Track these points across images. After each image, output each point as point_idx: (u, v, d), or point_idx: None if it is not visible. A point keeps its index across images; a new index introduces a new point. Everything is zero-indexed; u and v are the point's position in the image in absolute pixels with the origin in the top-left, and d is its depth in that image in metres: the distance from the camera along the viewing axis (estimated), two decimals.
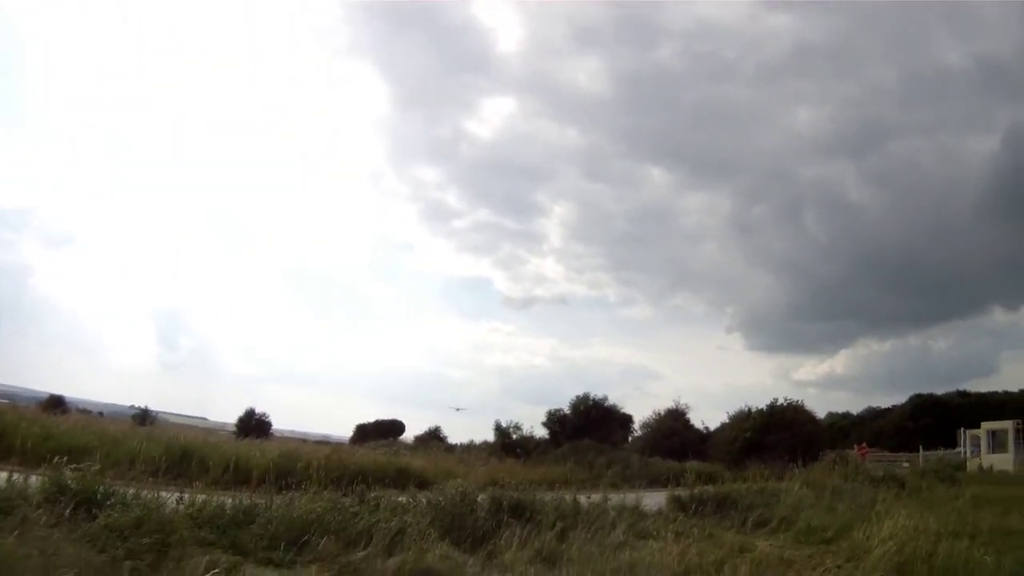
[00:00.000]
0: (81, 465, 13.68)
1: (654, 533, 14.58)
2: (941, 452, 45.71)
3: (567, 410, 58.60)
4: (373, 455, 33.52)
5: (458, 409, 70.38)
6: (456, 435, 63.84)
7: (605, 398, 59.10)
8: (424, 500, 15.63)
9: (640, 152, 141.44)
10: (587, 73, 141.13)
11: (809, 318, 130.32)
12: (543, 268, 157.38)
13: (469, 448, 54.47)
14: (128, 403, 63.46)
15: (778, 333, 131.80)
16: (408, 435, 67.60)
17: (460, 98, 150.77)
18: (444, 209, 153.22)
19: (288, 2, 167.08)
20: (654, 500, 19.98)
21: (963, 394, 65.35)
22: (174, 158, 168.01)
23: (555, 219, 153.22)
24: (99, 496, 12.59)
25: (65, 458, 14.11)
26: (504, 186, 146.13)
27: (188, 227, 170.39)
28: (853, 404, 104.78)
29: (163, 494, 13.79)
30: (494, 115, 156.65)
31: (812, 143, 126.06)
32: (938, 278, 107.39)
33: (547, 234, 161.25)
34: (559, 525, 14.37)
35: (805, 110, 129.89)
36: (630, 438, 58.27)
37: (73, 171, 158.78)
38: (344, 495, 15.50)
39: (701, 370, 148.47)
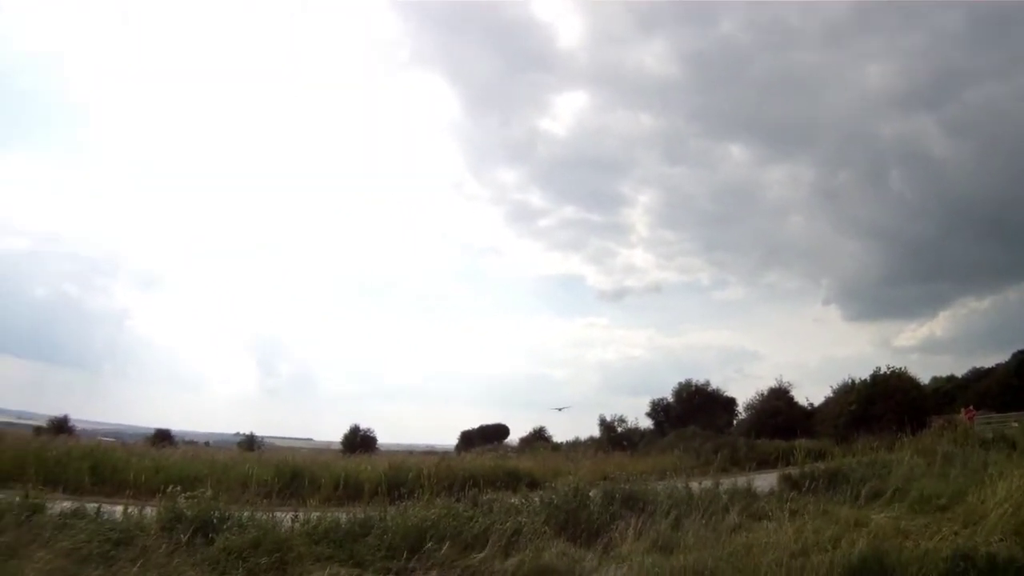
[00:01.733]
0: (195, 492, 14.13)
1: (768, 514, 14.42)
2: None
3: (670, 398, 58.61)
4: (480, 460, 33.73)
5: (560, 409, 70.00)
6: (561, 434, 63.34)
7: (707, 383, 59.45)
8: (537, 499, 15.76)
9: (716, 130, 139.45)
10: (653, 56, 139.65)
11: (905, 281, 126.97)
12: (633, 258, 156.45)
13: (575, 445, 54.11)
14: (233, 431, 64.67)
15: (874, 300, 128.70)
16: (513, 438, 67.68)
17: (530, 97, 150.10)
18: (528, 209, 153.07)
19: (350, 21, 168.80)
20: (765, 481, 19.88)
21: None
22: (254, 185, 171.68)
23: (640, 208, 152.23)
24: (215, 521, 13.11)
25: (178, 487, 14.64)
26: (585, 181, 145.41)
27: (274, 253, 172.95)
28: (956, 367, 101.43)
29: (277, 514, 14.22)
30: (566, 111, 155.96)
31: (887, 100, 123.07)
32: None
33: (633, 224, 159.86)
34: (673, 513, 14.31)
35: (875, 66, 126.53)
36: (735, 421, 57.59)
37: (155, 212, 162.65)
38: (456, 500, 15.65)
39: (800, 346, 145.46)
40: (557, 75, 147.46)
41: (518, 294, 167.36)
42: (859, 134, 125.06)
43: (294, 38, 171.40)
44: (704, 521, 13.70)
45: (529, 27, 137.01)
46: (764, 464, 28.31)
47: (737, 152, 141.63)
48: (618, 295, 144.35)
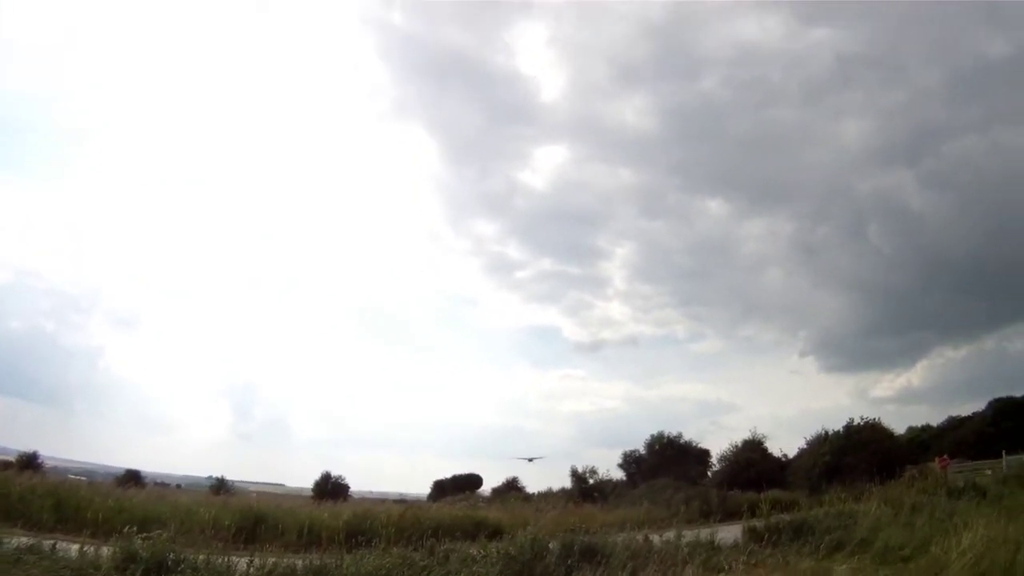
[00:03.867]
0: (151, 534, 14.05)
1: (726, 567, 14.32)
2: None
3: (642, 450, 58.63)
4: (449, 510, 33.57)
5: (531, 460, 69.74)
6: (534, 485, 63.28)
7: (680, 435, 59.51)
8: (495, 550, 15.59)
9: (695, 185, 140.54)
10: (634, 111, 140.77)
11: (883, 333, 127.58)
12: (610, 311, 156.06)
13: (546, 496, 53.67)
14: (206, 474, 64.13)
15: (852, 352, 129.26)
16: (486, 488, 67.40)
17: (510, 150, 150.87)
18: (506, 262, 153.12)
19: (332, 67, 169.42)
20: (730, 533, 19.73)
21: None
22: (233, 228, 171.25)
23: (617, 261, 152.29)
24: (169, 563, 13.08)
25: (133, 528, 14.64)
26: (563, 234, 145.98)
27: (251, 297, 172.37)
28: (933, 416, 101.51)
29: (234, 559, 14.12)
30: (546, 164, 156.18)
31: (866, 155, 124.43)
32: (1007, 276, 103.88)
33: (611, 277, 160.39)
34: (630, 565, 14.17)
35: (855, 123, 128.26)
36: (709, 473, 57.50)
37: (134, 251, 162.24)
38: (414, 550, 15.54)
39: (776, 398, 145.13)
40: (538, 128, 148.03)
41: (495, 344, 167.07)
42: (838, 189, 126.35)
43: (276, 83, 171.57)
44: (660, 574, 13.59)
45: (512, 80, 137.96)
46: (736, 516, 28.30)
47: (716, 207, 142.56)
48: (595, 347, 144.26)
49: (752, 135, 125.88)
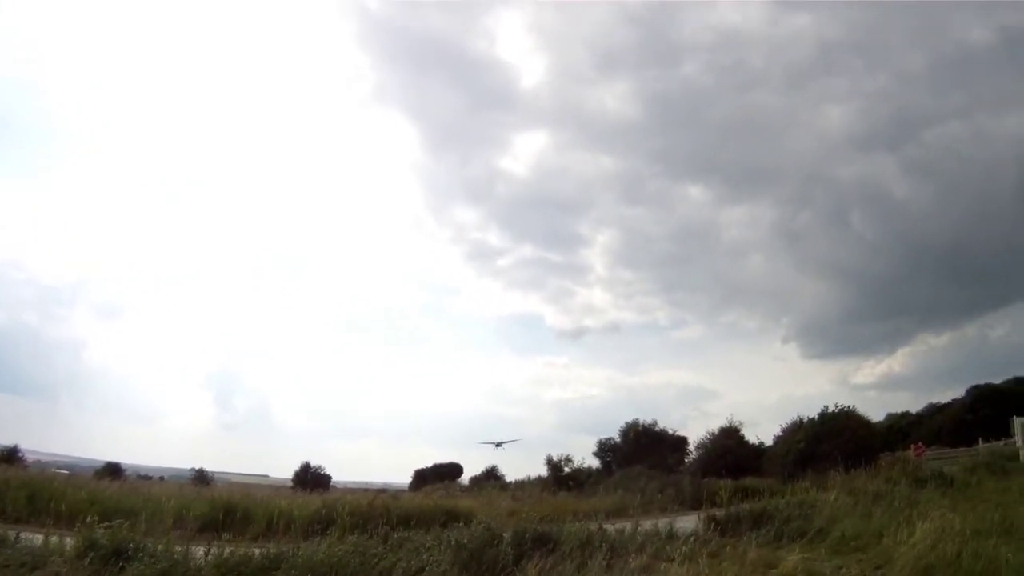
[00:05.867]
0: (111, 523, 14.27)
1: (676, 556, 14.43)
2: (1001, 443, 44.57)
3: (617, 438, 58.67)
4: (422, 499, 33.72)
5: (498, 444, 69.59)
6: (513, 473, 63.86)
7: (655, 423, 59.69)
8: (452, 539, 15.73)
9: (676, 171, 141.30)
10: (615, 97, 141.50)
11: (865, 319, 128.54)
12: (591, 298, 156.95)
13: (523, 485, 54.26)
14: (189, 466, 64.33)
15: (834, 338, 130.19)
16: (466, 476, 68.31)
17: (491, 136, 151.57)
18: (487, 249, 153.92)
19: (312, 54, 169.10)
20: (694, 522, 19.81)
21: (1021, 380, 63.49)
22: (216, 218, 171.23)
23: (598, 248, 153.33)
24: (129, 551, 13.34)
25: (101, 519, 14.88)
26: (544, 220, 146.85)
27: (235, 289, 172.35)
28: (914, 403, 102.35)
29: (193, 548, 14.44)
30: (526, 150, 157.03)
31: (848, 141, 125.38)
32: (988, 263, 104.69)
33: (592, 264, 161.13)
34: (581, 554, 14.30)
35: (837, 108, 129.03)
36: (686, 460, 57.55)
37: (117, 242, 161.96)
38: (370, 538, 15.69)
39: (759, 385, 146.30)
40: (518, 115, 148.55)
41: (477, 332, 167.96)
42: (820, 175, 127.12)
43: (255, 73, 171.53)
44: (606, 563, 13.72)
45: (492, 66, 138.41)
46: (712, 504, 28.40)
47: (697, 193, 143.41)
48: (577, 334, 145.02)
49: (734, 121, 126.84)
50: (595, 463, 58.19)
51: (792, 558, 14.22)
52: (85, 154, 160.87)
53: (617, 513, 27.20)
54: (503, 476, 62.49)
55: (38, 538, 15.47)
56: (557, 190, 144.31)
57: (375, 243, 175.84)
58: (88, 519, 14.93)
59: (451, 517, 25.24)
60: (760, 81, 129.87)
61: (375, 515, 23.04)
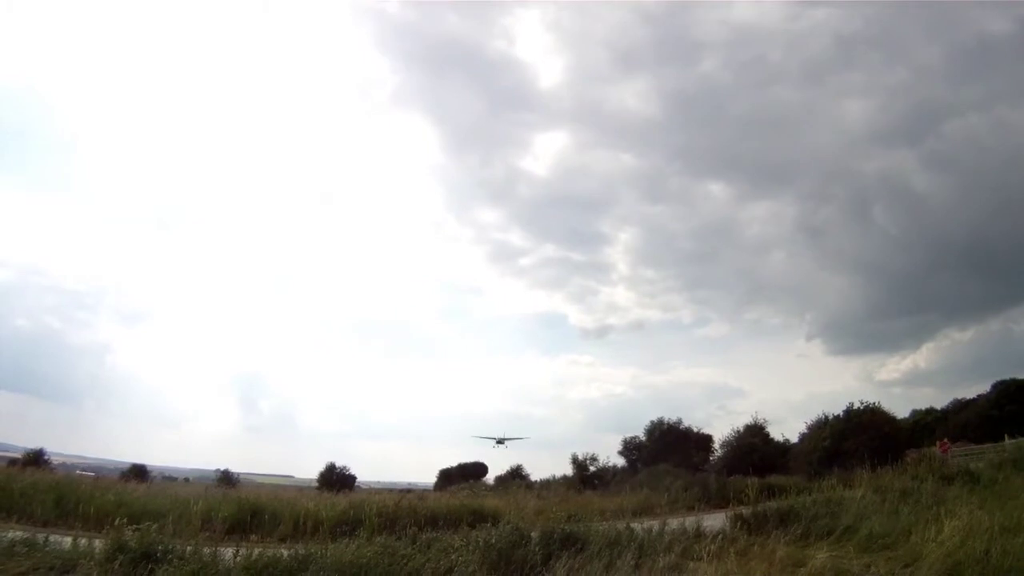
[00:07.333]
0: (140, 525, 14.32)
1: (705, 554, 14.39)
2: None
3: (643, 437, 58.51)
4: (448, 499, 33.68)
5: (500, 441, 69.50)
6: (539, 472, 63.55)
7: (680, 421, 59.74)
8: (480, 540, 15.74)
9: (697, 168, 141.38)
10: (634, 95, 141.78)
11: (888, 315, 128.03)
12: (615, 296, 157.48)
13: (548, 484, 54.20)
14: (214, 468, 64.62)
15: (859, 335, 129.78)
16: (491, 476, 68.11)
17: (511, 137, 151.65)
18: (509, 249, 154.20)
19: (332, 58, 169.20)
20: (718, 521, 19.74)
21: None
22: (239, 223, 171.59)
23: (620, 246, 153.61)
24: (158, 553, 13.31)
25: (129, 521, 14.93)
26: (566, 220, 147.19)
27: (258, 292, 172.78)
28: (938, 399, 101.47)
29: (222, 549, 14.47)
30: (547, 150, 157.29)
31: (868, 135, 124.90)
32: (1012, 257, 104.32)
33: (615, 262, 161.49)
34: (609, 554, 14.31)
35: (856, 103, 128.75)
36: (711, 458, 57.44)
37: (140, 248, 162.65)
38: (398, 539, 15.72)
39: (783, 382, 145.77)
40: (538, 114, 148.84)
41: (501, 332, 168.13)
42: (841, 170, 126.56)
43: (273, 78, 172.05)
44: (635, 563, 13.69)
45: (511, 67, 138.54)
46: (738, 502, 28.26)
47: (718, 190, 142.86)
48: (601, 333, 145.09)
49: (753, 117, 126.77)
50: (620, 461, 58.47)
51: (820, 556, 14.15)
52: (110, 162, 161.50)
53: (643, 512, 27.11)
54: (528, 475, 62.40)
55: (67, 541, 15.57)
56: (578, 189, 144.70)
57: (397, 246, 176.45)
58: (116, 521, 14.91)
59: (478, 517, 25.17)
60: (779, 76, 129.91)
61: (402, 516, 23.09)
